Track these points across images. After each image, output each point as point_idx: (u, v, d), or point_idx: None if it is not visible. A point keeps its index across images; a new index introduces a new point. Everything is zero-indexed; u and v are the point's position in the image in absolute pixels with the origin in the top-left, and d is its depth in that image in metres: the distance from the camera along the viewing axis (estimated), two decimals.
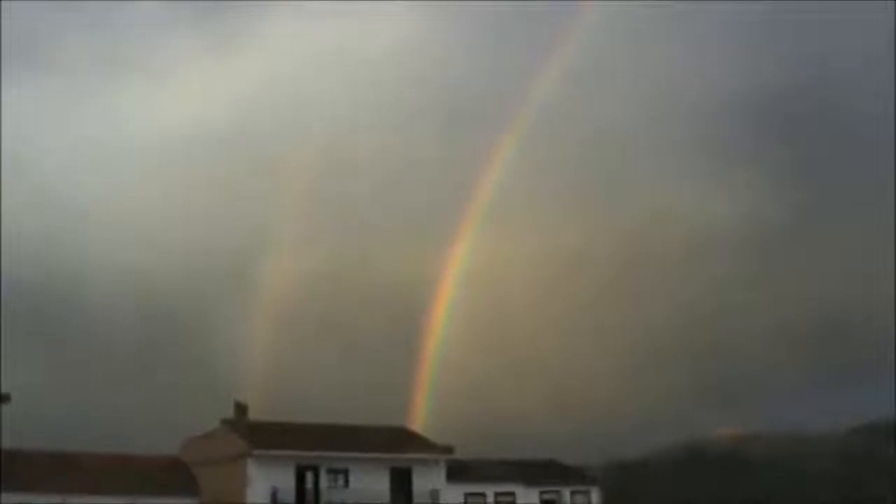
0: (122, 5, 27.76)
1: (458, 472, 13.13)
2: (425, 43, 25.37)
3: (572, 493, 14.61)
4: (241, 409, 12.49)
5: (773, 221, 27.24)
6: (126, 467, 11.71)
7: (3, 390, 10.32)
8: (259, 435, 11.88)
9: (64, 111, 26.07)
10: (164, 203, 23.10)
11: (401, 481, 12.56)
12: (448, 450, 13.06)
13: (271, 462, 11.64)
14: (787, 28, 27.66)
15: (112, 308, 20.79)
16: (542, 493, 14.22)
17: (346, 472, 12.15)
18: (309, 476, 11.96)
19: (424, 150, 24.05)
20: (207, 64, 27.14)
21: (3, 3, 21.10)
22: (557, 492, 14.44)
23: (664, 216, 24.70)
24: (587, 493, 14.86)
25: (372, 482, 12.20)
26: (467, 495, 13.30)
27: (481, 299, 20.77)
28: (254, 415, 12.58)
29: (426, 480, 12.74)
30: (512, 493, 13.86)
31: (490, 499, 13.60)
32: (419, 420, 15.07)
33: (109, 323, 20.31)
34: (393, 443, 13.06)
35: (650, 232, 24.93)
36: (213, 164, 24.02)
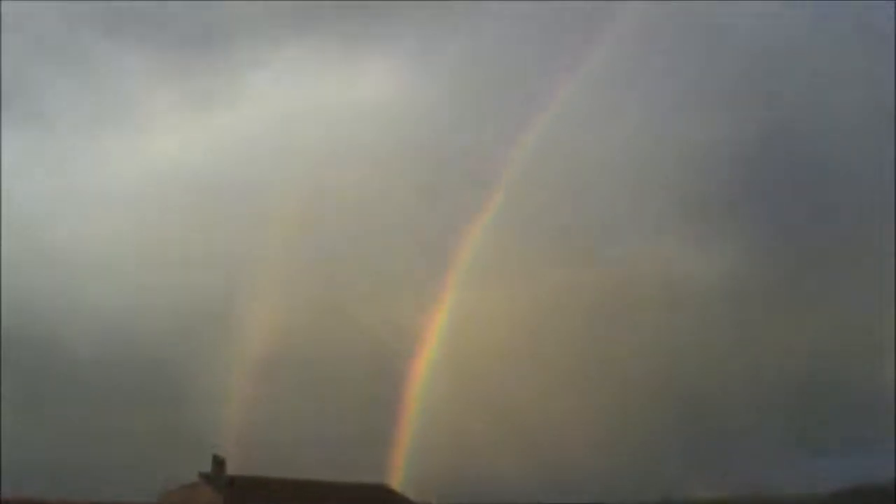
0: (108, 59, 28.17)
1: None
2: (405, 99, 25.60)
3: None
4: (219, 462, 12.38)
5: (756, 276, 27.41)
6: None
7: None
8: (237, 490, 11.77)
9: (47, 159, 26.24)
10: (144, 252, 23.11)
11: None
12: None
13: None
14: (773, 81, 28.09)
15: (89, 356, 20.63)
16: None
17: None
18: None
19: (407, 204, 24.16)
20: (190, 117, 27.36)
21: None
22: None
23: (643, 270, 24.82)
24: None
25: None
26: None
27: (462, 353, 20.72)
28: (232, 469, 12.46)
29: None
30: None
31: None
32: (398, 476, 14.98)
33: (86, 371, 20.15)
34: (372, 500, 12.98)
35: (630, 285, 25.00)
36: (194, 214, 24.05)
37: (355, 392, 20.05)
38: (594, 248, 24.38)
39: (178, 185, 24.03)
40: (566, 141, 23.68)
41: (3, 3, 23.59)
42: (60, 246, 23.22)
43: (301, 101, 26.22)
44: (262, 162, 24.86)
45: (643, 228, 25.66)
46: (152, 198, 24.27)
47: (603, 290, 24.23)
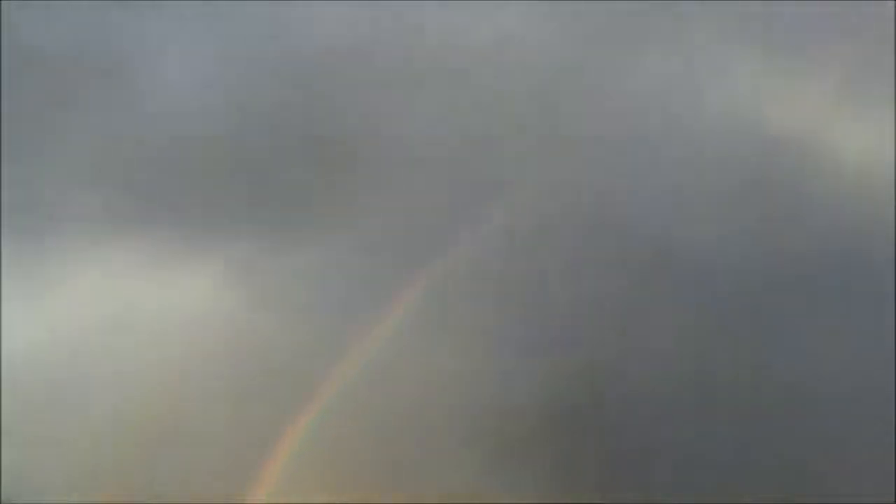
0: None
1: None
2: (224, 312, 25.85)
3: None
4: None
5: None
6: None
7: None
8: None
9: None
10: None
11: None
12: None
13: None
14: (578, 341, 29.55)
15: None
16: None
17: None
18: None
19: (216, 420, 24.03)
20: (18, 306, 26.81)
21: None
22: None
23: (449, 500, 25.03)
24: None
25: None
26: None
27: None
28: None
29: None
30: None
31: None
32: None
33: None
34: None
35: None
36: (7, 410, 23.33)
37: None
38: (401, 480, 24.59)
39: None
40: (385, 374, 24.06)
41: None
42: None
43: (129, 300, 26.05)
44: (84, 360, 24.47)
45: (450, 465, 26.03)
46: None
47: None
